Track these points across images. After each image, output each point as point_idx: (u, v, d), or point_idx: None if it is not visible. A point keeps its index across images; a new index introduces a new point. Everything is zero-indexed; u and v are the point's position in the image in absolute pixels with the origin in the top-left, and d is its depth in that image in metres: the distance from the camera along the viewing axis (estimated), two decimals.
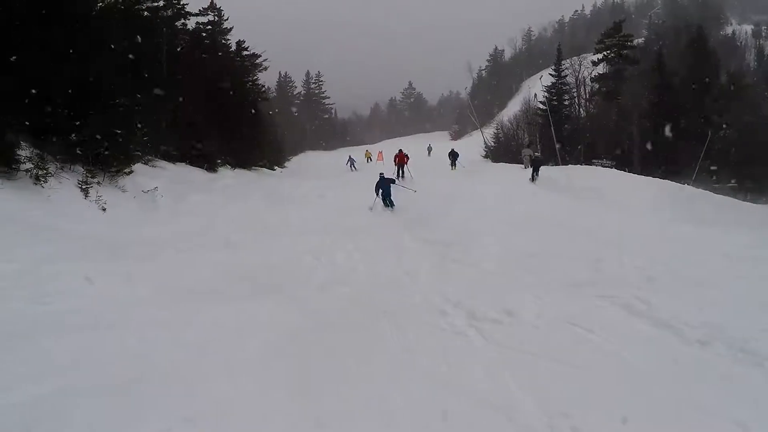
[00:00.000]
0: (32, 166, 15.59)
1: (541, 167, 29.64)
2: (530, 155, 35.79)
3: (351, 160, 49.59)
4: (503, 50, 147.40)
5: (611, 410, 5.93)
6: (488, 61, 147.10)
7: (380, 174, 24.81)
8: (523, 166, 38.02)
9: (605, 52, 59.61)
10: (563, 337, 8.25)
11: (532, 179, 28.98)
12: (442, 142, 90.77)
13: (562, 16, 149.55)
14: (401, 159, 34.35)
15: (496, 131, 68.38)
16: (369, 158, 58.49)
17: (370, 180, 24.69)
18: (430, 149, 69.68)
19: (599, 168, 35.65)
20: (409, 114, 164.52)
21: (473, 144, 70.56)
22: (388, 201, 23.17)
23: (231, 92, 40.04)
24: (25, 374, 6.07)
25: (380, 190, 23.14)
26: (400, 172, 33.44)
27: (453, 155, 42.42)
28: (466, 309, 9.49)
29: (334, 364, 7.24)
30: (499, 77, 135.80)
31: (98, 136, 18.73)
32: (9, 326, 7.47)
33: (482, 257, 13.61)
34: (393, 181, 24.62)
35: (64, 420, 5.25)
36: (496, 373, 6.91)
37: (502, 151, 60.12)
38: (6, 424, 5.04)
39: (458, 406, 6.04)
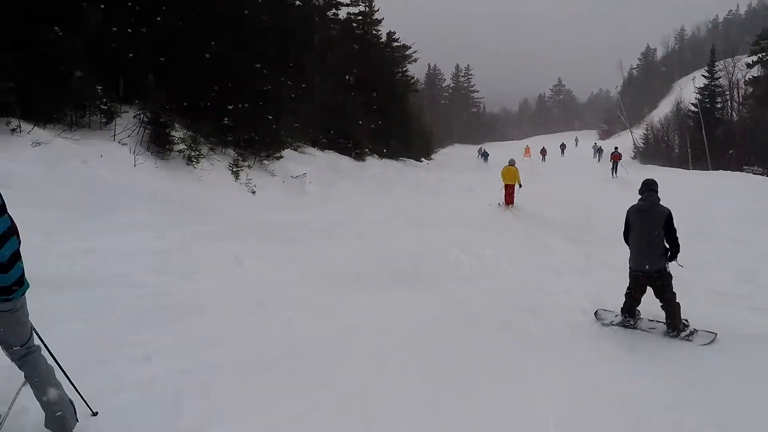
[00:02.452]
0: (185, 147, 15.90)
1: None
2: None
3: (484, 154, 53.70)
4: (655, 49, 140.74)
5: None
6: (639, 59, 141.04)
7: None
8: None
9: (760, 54, 55.69)
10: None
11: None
12: (589, 141, 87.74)
13: (716, 15, 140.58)
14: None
15: (645, 132, 65.54)
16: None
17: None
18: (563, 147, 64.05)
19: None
20: (558, 111, 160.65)
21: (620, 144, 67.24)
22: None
23: (381, 83, 40.12)
24: (173, 346, 6.09)
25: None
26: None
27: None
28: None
29: (478, 357, 6.84)
30: (650, 77, 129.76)
31: (249, 121, 18.98)
32: (160, 299, 7.55)
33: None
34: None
35: (209, 392, 5.29)
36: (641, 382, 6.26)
37: (651, 153, 57.39)
38: (155, 393, 5.10)
39: (607, 412, 5.53)
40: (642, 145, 65.14)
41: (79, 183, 11.80)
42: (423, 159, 46.22)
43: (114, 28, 15.20)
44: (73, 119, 14.19)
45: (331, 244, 13.29)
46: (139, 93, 15.85)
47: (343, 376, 5.97)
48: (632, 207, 8.14)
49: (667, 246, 7.69)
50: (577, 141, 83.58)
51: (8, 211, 3.83)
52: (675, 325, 7.62)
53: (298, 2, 30.32)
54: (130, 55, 15.65)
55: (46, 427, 4.10)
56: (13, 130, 12.08)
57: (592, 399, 5.77)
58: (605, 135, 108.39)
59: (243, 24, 20.02)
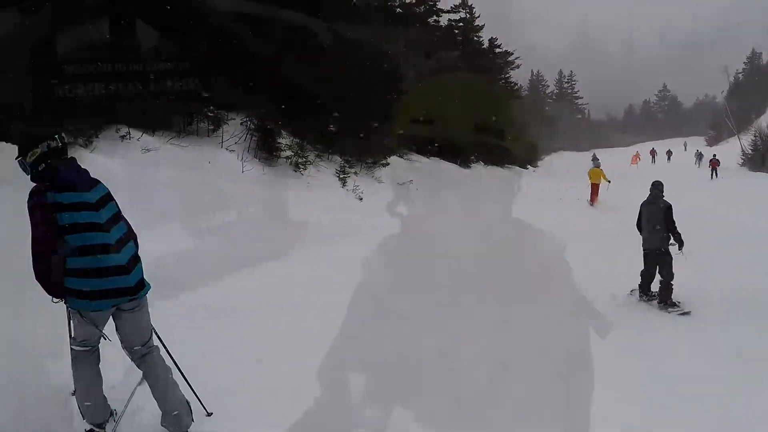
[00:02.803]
0: (292, 153, 15.96)
1: None
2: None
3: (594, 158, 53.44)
4: (761, 53, 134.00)
5: None
6: (745, 63, 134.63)
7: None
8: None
9: None
10: None
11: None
12: (697, 146, 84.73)
13: None
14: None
15: (753, 138, 62.22)
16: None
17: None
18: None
19: None
20: (663, 117, 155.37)
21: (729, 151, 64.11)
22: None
23: (484, 90, 39.70)
24: (284, 349, 6.17)
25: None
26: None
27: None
28: None
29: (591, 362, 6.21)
30: (757, 81, 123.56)
31: (355, 129, 18.95)
32: (271, 301, 7.87)
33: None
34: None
35: (325, 392, 5.08)
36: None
37: (760, 160, 54.44)
38: (268, 394, 5.13)
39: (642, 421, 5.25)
40: (750, 151, 61.94)
41: (187, 189, 11.91)
42: (529, 166, 45.38)
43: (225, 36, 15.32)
44: (181, 126, 14.37)
45: (438, 249, 12.88)
46: (246, 100, 15.93)
47: (460, 382, 5.67)
48: (644, 201, 10.03)
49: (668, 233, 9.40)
50: (686, 146, 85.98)
51: (125, 217, 4.23)
52: (664, 298, 9.19)
53: (399, 10, 30.46)
54: (240, 63, 15.74)
55: (162, 425, 4.24)
56: (123, 137, 12.36)
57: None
58: (712, 141, 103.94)
59: (347, 33, 20.05)
